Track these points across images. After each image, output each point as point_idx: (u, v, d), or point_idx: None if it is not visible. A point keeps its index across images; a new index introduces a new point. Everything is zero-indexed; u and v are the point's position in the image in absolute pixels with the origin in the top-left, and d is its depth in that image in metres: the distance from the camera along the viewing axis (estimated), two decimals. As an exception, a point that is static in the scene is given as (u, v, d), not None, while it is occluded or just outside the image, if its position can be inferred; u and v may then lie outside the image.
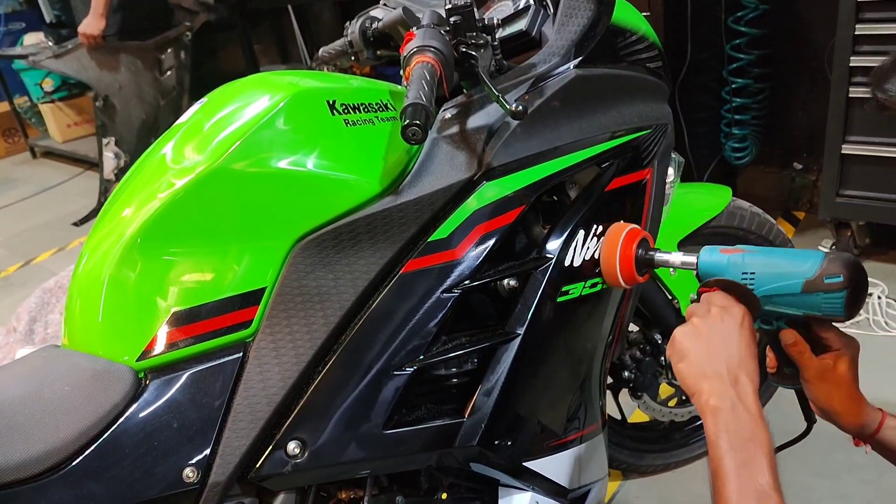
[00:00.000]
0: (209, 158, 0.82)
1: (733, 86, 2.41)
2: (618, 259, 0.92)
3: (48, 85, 5.21)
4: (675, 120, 1.12)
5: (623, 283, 0.94)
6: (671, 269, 0.94)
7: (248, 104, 0.86)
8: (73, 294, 0.88)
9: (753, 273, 0.81)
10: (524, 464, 0.97)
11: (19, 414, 0.74)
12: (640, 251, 0.93)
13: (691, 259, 0.89)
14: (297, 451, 0.83)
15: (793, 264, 0.79)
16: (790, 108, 2.60)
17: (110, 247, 0.83)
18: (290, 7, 3.84)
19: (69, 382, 0.77)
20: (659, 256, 0.93)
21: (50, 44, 4.57)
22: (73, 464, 0.73)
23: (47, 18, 5.22)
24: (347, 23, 1.20)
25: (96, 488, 0.73)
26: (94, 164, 4.77)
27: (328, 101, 0.87)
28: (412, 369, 0.88)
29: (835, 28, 1.97)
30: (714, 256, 0.86)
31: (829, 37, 2.08)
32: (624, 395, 1.53)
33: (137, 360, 0.79)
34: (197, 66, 4.91)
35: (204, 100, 0.92)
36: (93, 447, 0.74)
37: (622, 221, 0.97)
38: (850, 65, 1.96)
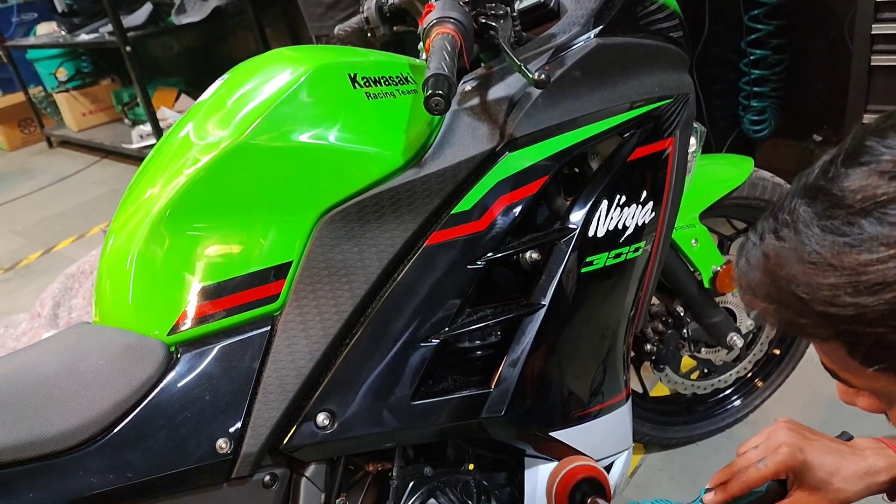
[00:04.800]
0: (233, 134, 0.82)
1: (752, 57, 2.37)
2: (553, 493, 0.91)
3: (62, 74, 5.24)
4: (695, 98, 1.11)
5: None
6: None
7: (270, 79, 0.86)
8: (102, 272, 0.89)
9: None
10: (550, 434, 0.98)
11: (55, 388, 0.75)
12: (583, 490, 0.90)
13: None
14: (326, 422, 0.84)
15: None
16: (809, 79, 2.56)
17: (137, 224, 0.84)
18: (299, -11, 3.82)
19: (102, 357, 0.78)
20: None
21: (63, 33, 4.59)
22: (109, 435, 0.74)
23: (59, 8, 5.23)
24: (362, -1, 1.20)
25: (133, 459, 0.74)
26: (111, 153, 4.81)
27: (350, 75, 0.87)
28: (438, 341, 0.88)
29: (854, -5, 1.94)
30: None
31: (848, 5, 2.04)
32: (646, 368, 1.53)
33: (168, 335, 0.80)
34: (208, 52, 4.93)
35: (226, 76, 0.92)
36: (128, 419, 0.75)
37: (578, 455, 0.95)
38: (872, 32, 1.92)
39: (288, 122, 0.83)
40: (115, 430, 0.74)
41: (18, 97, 5.38)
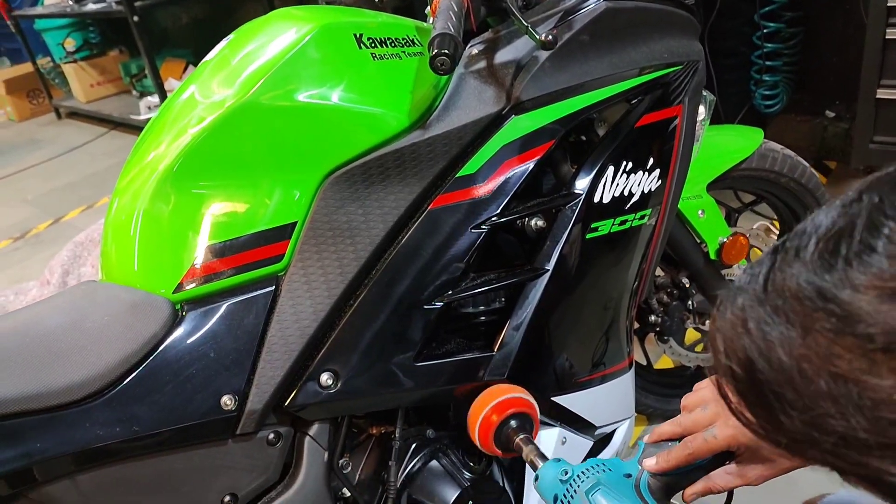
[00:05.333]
0: (238, 93, 0.82)
1: (765, 30, 2.34)
2: (478, 424, 0.87)
3: (70, 45, 5.22)
4: (704, 66, 1.09)
5: (479, 444, 0.88)
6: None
7: (275, 38, 0.85)
8: (107, 232, 0.89)
9: None
10: (552, 398, 0.99)
11: (61, 342, 0.76)
12: (511, 423, 0.85)
13: (537, 463, 0.79)
14: (329, 381, 0.84)
15: None
16: (823, 53, 2.52)
17: (143, 183, 0.84)
18: (309, -40, 3.79)
19: (108, 313, 0.79)
20: (517, 441, 0.84)
21: (70, 2, 4.57)
22: (116, 389, 0.75)
23: (67, -23, 5.20)
24: (370, -37, 1.18)
25: (139, 412, 0.75)
26: (119, 124, 4.81)
27: (355, 35, 0.86)
28: (442, 304, 0.88)
29: (871, -34, 1.90)
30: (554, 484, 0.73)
31: (866, -24, 2.01)
32: (650, 341, 1.53)
33: (174, 293, 0.81)
34: (216, 23, 4.90)
35: (231, 36, 0.91)
36: (134, 374, 0.76)
37: (511, 385, 0.89)
38: (888, 4, 1.89)
39: (293, 82, 0.82)
40: (122, 385, 0.75)
41: (27, 68, 5.38)
